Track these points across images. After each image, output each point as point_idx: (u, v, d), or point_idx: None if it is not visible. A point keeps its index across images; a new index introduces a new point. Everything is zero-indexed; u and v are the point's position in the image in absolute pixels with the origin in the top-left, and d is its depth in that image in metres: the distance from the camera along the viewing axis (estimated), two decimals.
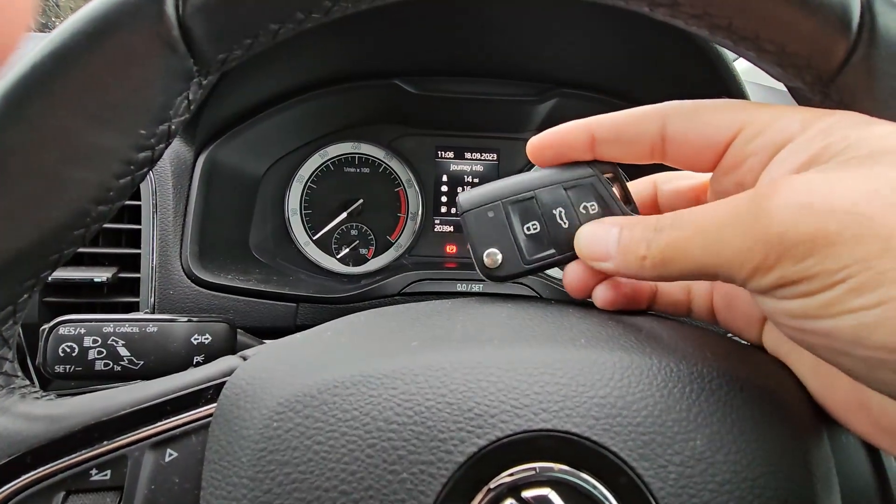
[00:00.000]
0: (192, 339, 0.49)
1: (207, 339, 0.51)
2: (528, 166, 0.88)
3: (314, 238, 0.85)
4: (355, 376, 0.29)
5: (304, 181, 0.85)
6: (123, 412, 0.31)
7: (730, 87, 0.64)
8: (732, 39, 0.31)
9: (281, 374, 0.31)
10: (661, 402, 0.29)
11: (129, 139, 0.30)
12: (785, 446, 0.29)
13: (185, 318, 0.50)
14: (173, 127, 0.32)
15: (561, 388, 0.29)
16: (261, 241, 0.79)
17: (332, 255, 0.85)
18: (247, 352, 0.36)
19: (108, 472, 0.30)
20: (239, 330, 0.55)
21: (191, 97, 0.32)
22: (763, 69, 0.33)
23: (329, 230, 0.85)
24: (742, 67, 0.69)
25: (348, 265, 0.85)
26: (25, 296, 0.31)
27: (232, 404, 0.30)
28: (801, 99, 0.34)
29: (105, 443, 0.30)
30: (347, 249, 0.85)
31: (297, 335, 0.37)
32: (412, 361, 0.30)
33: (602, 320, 0.37)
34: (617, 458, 0.27)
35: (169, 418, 0.31)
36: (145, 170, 0.32)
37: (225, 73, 0.58)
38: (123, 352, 0.46)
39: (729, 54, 0.64)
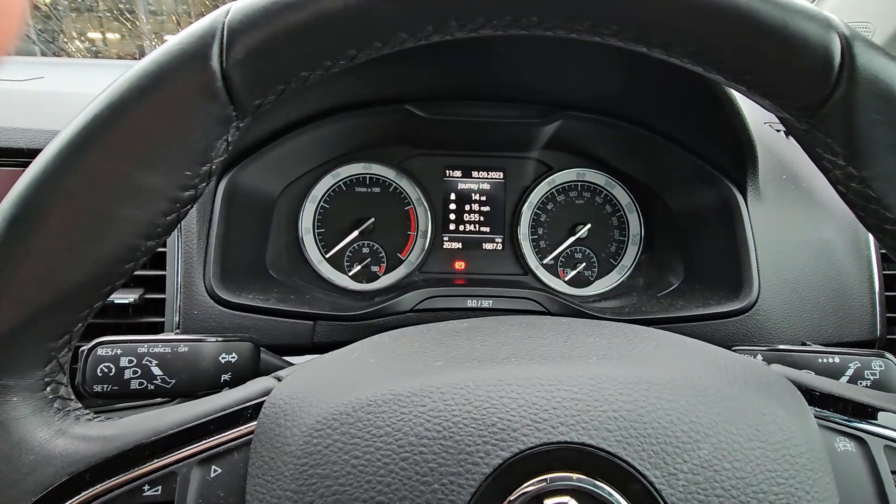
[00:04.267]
0: (219, 358, 0.52)
1: (234, 357, 0.54)
2: (534, 185, 0.91)
3: (327, 256, 0.88)
4: (386, 395, 0.32)
5: (318, 201, 0.88)
6: (171, 431, 0.33)
7: (728, 111, 0.67)
8: (724, 76, 0.34)
9: (317, 394, 0.33)
10: (670, 414, 0.31)
11: (175, 180, 0.33)
12: (785, 454, 0.31)
13: (214, 339, 0.53)
14: (214, 167, 0.35)
15: (577, 403, 0.31)
16: (276, 259, 0.82)
17: (345, 273, 0.88)
18: (280, 373, 0.39)
19: (160, 487, 0.32)
20: (262, 348, 0.57)
21: (229, 139, 0.35)
22: (754, 101, 0.36)
23: (341, 248, 0.88)
24: None
25: (360, 282, 0.88)
26: (80, 325, 0.34)
27: (272, 422, 0.33)
28: (790, 127, 0.37)
29: (155, 460, 0.32)
30: (359, 267, 0.88)
31: (326, 356, 0.40)
32: (438, 380, 0.32)
33: (611, 337, 0.39)
34: (630, 466, 0.30)
35: (213, 436, 0.34)
36: (189, 207, 0.35)
37: None
38: (157, 371, 0.48)
39: None
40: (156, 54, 0.32)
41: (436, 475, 0.29)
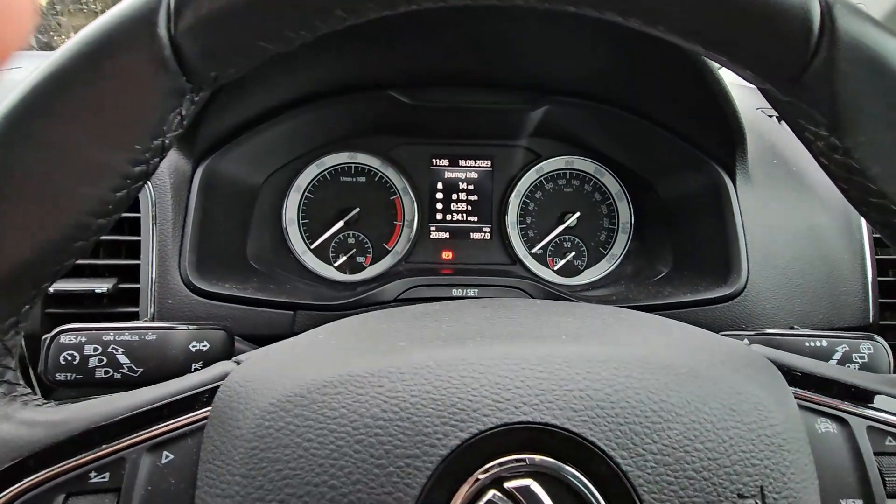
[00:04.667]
0: (190, 347, 0.51)
1: (206, 346, 0.52)
2: (521, 173, 0.90)
3: (312, 247, 0.86)
4: (343, 376, 0.31)
5: (302, 191, 0.86)
6: (122, 416, 0.32)
7: (716, 93, 0.65)
8: (703, 46, 0.32)
9: (272, 376, 0.32)
10: (640, 393, 0.30)
11: (125, 154, 0.32)
12: (761, 434, 0.30)
13: (184, 326, 0.51)
14: (167, 141, 0.33)
15: (541, 382, 0.30)
16: (258, 250, 0.80)
17: (330, 264, 0.87)
18: (241, 356, 0.37)
19: (107, 474, 0.31)
20: (237, 337, 0.56)
21: (184, 112, 0.33)
22: (734, 72, 0.35)
23: (326, 239, 0.86)
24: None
25: (346, 273, 0.87)
26: (27, 306, 0.32)
27: (226, 406, 0.31)
28: (773, 100, 0.36)
29: (104, 446, 0.31)
30: (345, 258, 0.87)
31: (290, 339, 0.39)
32: (398, 360, 0.31)
33: (585, 317, 0.38)
34: (596, 447, 0.28)
35: (165, 422, 0.32)
36: (140, 183, 0.33)
37: (221, 86, 0.60)
38: (123, 359, 0.47)
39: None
40: (101, 19, 0.30)
41: (391, 458, 0.28)
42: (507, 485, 0.28)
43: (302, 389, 0.30)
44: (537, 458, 0.28)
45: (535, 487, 0.28)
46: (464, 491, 0.28)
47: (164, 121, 0.32)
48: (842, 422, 0.34)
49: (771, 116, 0.92)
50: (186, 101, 0.33)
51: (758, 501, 0.28)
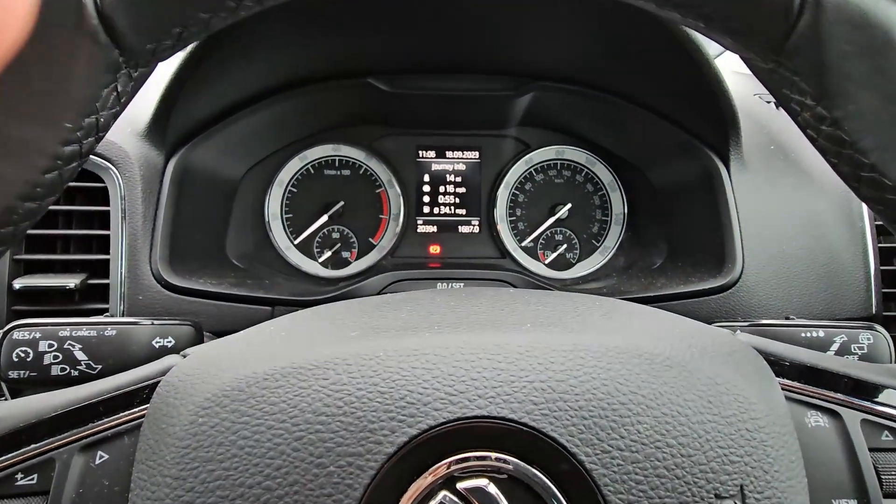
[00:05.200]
0: (153, 343, 0.49)
1: (171, 342, 0.50)
2: (511, 164, 0.87)
3: (295, 242, 0.84)
4: (285, 368, 0.28)
5: (284, 185, 0.84)
6: (53, 415, 0.30)
7: (706, 75, 0.62)
8: (680, 13, 0.30)
9: (213, 370, 0.30)
10: (607, 384, 0.27)
11: (53, 132, 0.29)
12: (741, 428, 0.27)
13: (148, 321, 0.49)
14: (102, 120, 0.31)
15: (499, 374, 0.27)
16: (239, 246, 0.78)
17: (314, 259, 0.85)
18: (189, 349, 0.35)
19: (35, 476, 0.29)
20: (207, 333, 0.54)
21: (120, 89, 0.31)
22: (715, 41, 0.32)
23: (310, 234, 0.84)
24: (716, 51, 0.67)
25: (330, 268, 0.84)
26: None
27: (163, 402, 0.29)
28: (755, 68, 0.33)
29: (32, 446, 0.29)
30: (329, 253, 0.85)
31: (243, 331, 0.36)
32: (346, 351, 0.29)
33: (556, 305, 0.35)
34: (557, 444, 0.26)
35: (101, 420, 0.30)
36: (74, 164, 0.31)
37: (194, 75, 0.57)
38: (81, 356, 0.45)
39: (708, 45, 0.62)
40: None
41: (332, 456, 0.25)
42: (461, 485, 0.25)
43: (240, 383, 0.28)
44: (493, 455, 0.26)
45: (491, 488, 0.25)
46: (412, 492, 0.25)
47: (97, 97, 0.30)
48: (834, 415, 0.32)
49: (769, 102, 0.89)
50: (123, 77, 0.31)
51: (737, 502, 0.26)
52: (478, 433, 0.26)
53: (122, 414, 0.30)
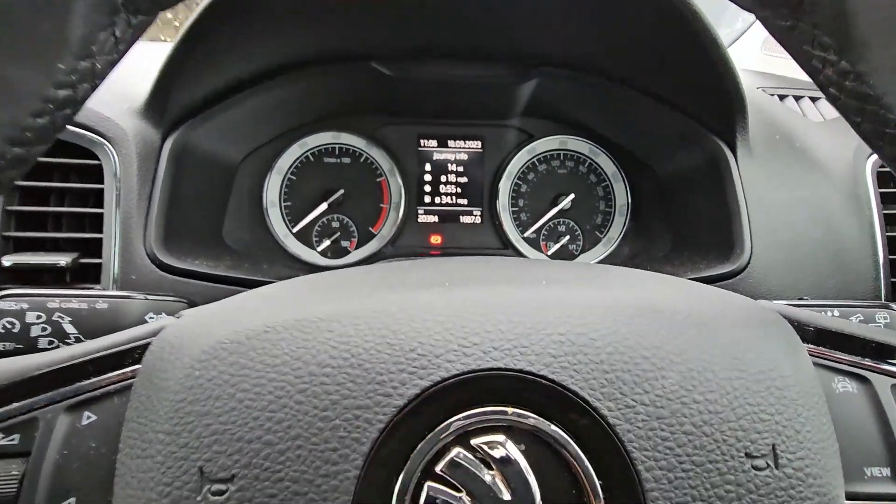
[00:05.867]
0: (146, 318, 0.47)
1: (163, 318, 0.48)
2: (513, 153, 0.86)
3: (294, 230, 0.83)
4: (288, 321, 0.27)
5: (284, 172, 0.83)
6: (38, 373, 0.28)
7: (713, 58, 0.61)
8: None
9: (212, 325, 0.28)
10: (629, 338, 0.26)
11: (46, 73, 0.28)
12: (770, 386, 0.26)
13: (141, 296, 0.47)
14: (98, 66, 0.30)
15: (515, 326, 0.26)
16: (236, 232, 0.77)
17: (313, 248, 0.83)
18: (184, 312, 0.33)
19: (16, 436, 0.27)
20: None
21: (118, 34, 0.30)
22: (732, 1, 0.31)
23: (309, 222, 0.83)
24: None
25: (329, 258, 0.83)
26: None
27: (157, 358, 0.27)
28: (773, 28, 0.32)
29: (14, 405, 0.27)
30: (328, 242, 0.83)
31: (242, 294, 0.35)
32: (355, 305, 0.27)
33: (571, 269, 0.34)
34: (578, 398, 0.24)
35: (89, 379, 0.28)
36: (67, 111, 0.29)
37: (194, 53, 0.56)
38: (70, 329, 0.43)
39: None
40: None
41: (338, 409, 0.24)
42: (475, 441, 0.24)
43: (239, 336, 0.26)
44: (509, 410, 0.24)
45: (508, 444, 0.24)
46: (423, 448, 0.23)
47: (93, 39, 0.29)
48: (862, 380, 0.30)
49: (772, 95, 0.88)
50: (121, 22, 0.30)
51: (769, 462, 0.24)
52: (494, 387, 0.24)
53: (111, 374, 0.28)
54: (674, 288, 0.32)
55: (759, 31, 1.02)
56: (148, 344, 0.29)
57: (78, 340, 0.43)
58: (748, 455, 0.24)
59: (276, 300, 0.30)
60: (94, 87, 0.30)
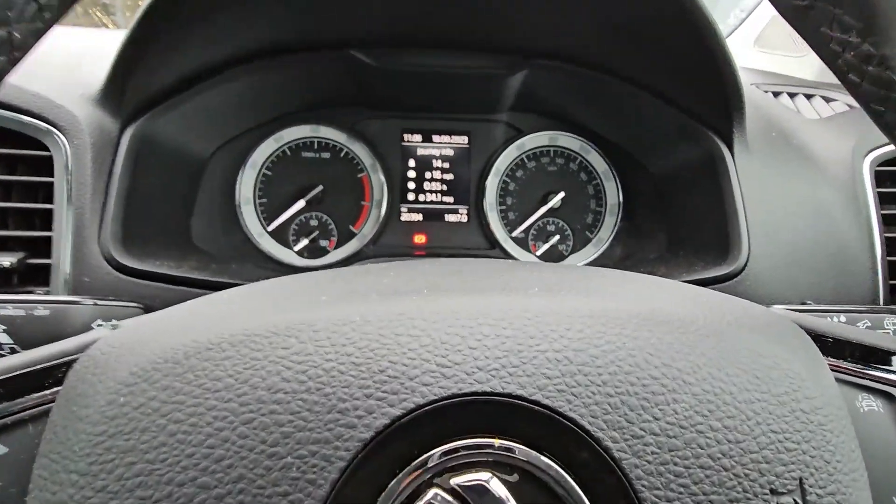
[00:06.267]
0: (94, 326, 0.42)
1: (115, 326, 0.44)
2: (501, 150, 0.83)
3: (269, 229, 0.78)
4: (235, 335, 0.23)
5: (258, 167, 0.78)
6: None
7: (714, 52, 0.58)
8: None
9: (148, 338, 0.24)
10: (634, 353, 0.22)
11: None
12: (795, 409, 0.22)
13: (89, 301, 0.43)
14: (17, 35, 0.25)
15: (504, 341, 0.22)
16: (206, 231, 0.72)
17: (289, 248, 0.78)
18: (123, 321, 0.29)
19: None
20: None
21: (42, 2, 0.25)
22: None
23: (286, 220, 0.78)
24: None
25: (306, 258, 0.78)
26: None
27: (79, 380, 0.23)
28: (787, 10, 0.29)
29: None
30: (306, 241, 0.78)
31: (192, 300, 0.30)
32: (314, 316, 0.23)
33: (564, 273, 0.30)
34: (576, 426, 0.21)
35: (1, 403, 0.24)
36: None
37: (155, 35, 0.51)
38: (4, 339, 0.38)
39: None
40: None
41: (291, 444, 0.20)
42: (455, 480, 0.20)
43: (176, 353, 0.22)
44: (496, 442, 0.20)
45: (494, 484, 0.20)
46: (393, 490, 0.20)
47: (8, 3, 0.24)
48: (889, 398, 0.27)
49: (766, 92, 0.86)
50: None
51: (796, 500, 0.21)
52: (477, 414, 0.20)
53: (27, 397, 0.24)
54: (679, 294, 0.28)
55: (751, 27, 1.00)
56: (74, 361, 0.25)
57: (13, 351, 0.38)
58: (773, 492, 0.21)
59: (228, 309, 0.26)
60: (13, 62, 0.26)
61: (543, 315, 0.23)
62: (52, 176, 0.53)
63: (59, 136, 0.53)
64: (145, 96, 0.58)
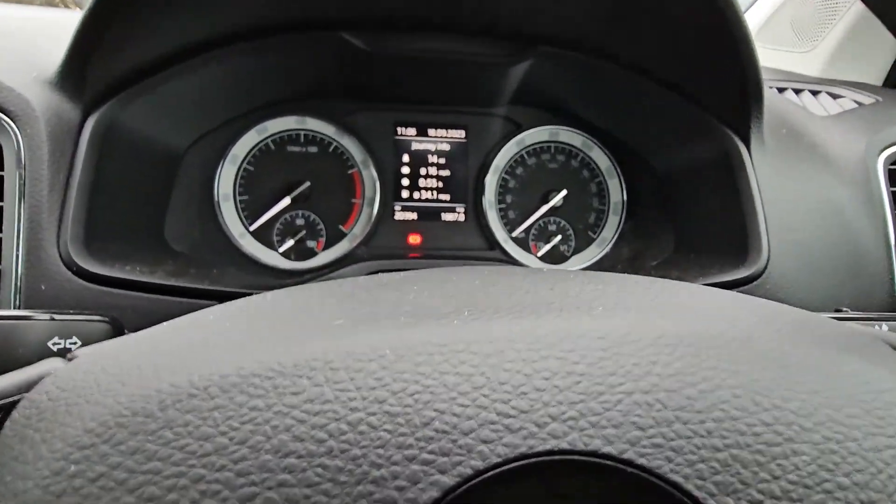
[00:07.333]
0: (50, 345, 0.36)
1: (75, 343, 0.38)
2: (500, 145, 0.78)
3: (251, 228, 0.72)
4: (229, 376, 0.17)
5: (239, 162, 0.72)
6: None
7: (736, 39, 0.54)
8: None
9: (108, 381, 0.18)
10: (739, 394, 0.18)
11: None
12: None
13: (45, 316, 0.37)
14: None
15: (578, 380, 0.17)
16: (182, 231, 0.65)
17: (274, 249, 0.72)
18: (81, 350, 0.23)
19: None
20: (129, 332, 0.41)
21: None
22: None
23: (270, 219, 0.72)
24: None
25: (293, 259, 0.72)
26: None
27: (16, 437, 0.17)
28: None
29: None
30: (292, 241, 0.72)
31: (168, 322, 0.25)
32: (330, 348, 0.18)
33: (619, 285, 0.26)
34: (680, 492, 0.16)
35: None
36: None
37: (119, 9, 0.44)
38: None
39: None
40: None
41: None
42: None
43: (148, 402, 0.16)
44: None
45: None
46: None
47: None
48: None
49: (771, 88, 0.84)
50: None
51: None
52: (555, 480, 0.16)
53: None
54: (754, 312, 0.24)
55: (753, 18, 0.97)
56: (12, 407, 0.19)
57: None
58: None
59: (217, 337, 0.20)
60: None
61: (620, 343, 0.18)
62: (1, 169, 0.46)
63: (8, 124, 0.46)
64: (111, 80, 0.51)
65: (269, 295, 0.26)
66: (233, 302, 0.25)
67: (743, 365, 0.19)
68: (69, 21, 0.52)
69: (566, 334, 0.19)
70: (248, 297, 0.26)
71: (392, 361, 0.17)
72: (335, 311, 0.21)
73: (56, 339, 0.36)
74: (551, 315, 0.21)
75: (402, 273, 0.28)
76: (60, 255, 0.46)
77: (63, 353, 0.36)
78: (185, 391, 0.17)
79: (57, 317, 0.37)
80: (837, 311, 0.48)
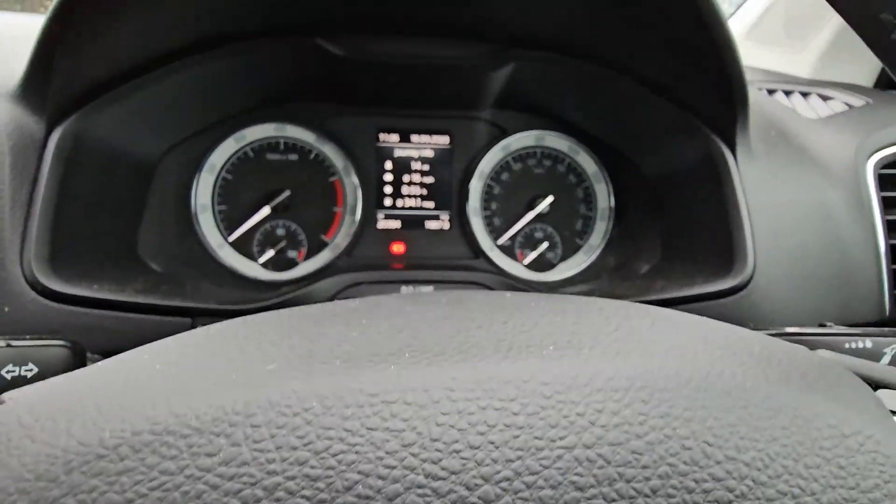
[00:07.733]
0: (3, 373, 0.35)
1: (32, 370, 0.36)
2: (485, 151, 0.77)
3: (230, 239, 0.70)
4: (140, 433, 0.16)
5: (217, 170, 0.70)
6: None
7: (718, 42, 0.53)
8: None
9: (18, 437, 0.17)
10: (690, 445, 0.17)
11: None
12: None
13: (3, 342, 0.35)
14: None
15: (517, 434, 0.16)
16: (156, 243, 0.64)
17: (254, 260, 0.71)
18: (14, 391, 0.22)
19: None
20: (94, 356, 0.40)
21: None
22: None
23: (249, 229, 0.71)
24: None
25: (273, 270, 0.71)
26: None
27: None
28: None
29: None
30: (272, 252, 0.71)
31: (105, 361, 0.24)
32: (254, 400, 0.17)
33: (582, 313, 0.25)
34: None
35: None
36: None
37: (84, 16, 0.43)
38: None
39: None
40: None
41: None
42: None
43: (53, 466, 0.15)
44: None
45: None
46: None
47: None
48: None
49: (760, 90, 0.83)
50: None
51: None
52: None
53: None
54: (724, 340, 0.23)
55: (744, 17, 0.96)
56: None
57: None
58: None
59: (142, 380, 0.19)
60: None
61: (567, 390, 0.17)
62: None
63: None
64: (76, 90, 0.50)
65: (212, 328, 0.24)
66: (175, 336, 0.24)
67: (698, 410, 0.18)
68: (31, 26, 0.51)
69: (510, 379, 0.18)
70: (191, 331, 0.25)
71: (318, 415, 0.16)
72: (271, 353, 0.20)
73: (10, 367, 0.35)
74: (498, 356, 0.19)
75: (358, 301, 0.27)
76: (24, 275, 0.45)
77: (18, 383, 0.35)
78: (94, 451, 0.16)
79: (14, 343, 0.35)
80: (822, 325, 0.47)
